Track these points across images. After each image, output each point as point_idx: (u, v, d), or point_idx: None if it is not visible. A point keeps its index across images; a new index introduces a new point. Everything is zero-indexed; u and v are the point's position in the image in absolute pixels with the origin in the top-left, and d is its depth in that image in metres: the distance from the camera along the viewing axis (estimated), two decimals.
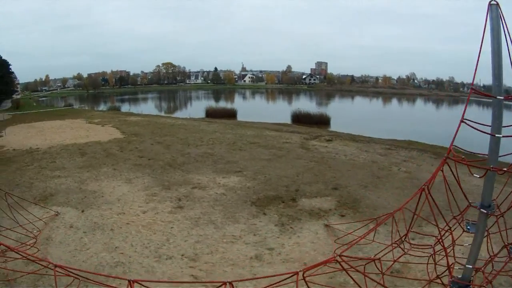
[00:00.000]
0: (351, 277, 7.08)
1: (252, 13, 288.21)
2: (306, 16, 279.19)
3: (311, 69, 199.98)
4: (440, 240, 7.21)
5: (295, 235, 11.91)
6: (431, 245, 7.78)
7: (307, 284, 6.54)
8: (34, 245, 10.84)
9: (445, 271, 7.28)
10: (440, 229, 7.36)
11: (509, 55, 6.12)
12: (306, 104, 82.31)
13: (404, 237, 8.06)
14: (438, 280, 7.50)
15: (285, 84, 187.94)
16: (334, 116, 54.31)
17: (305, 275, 6.26)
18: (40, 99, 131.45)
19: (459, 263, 7.22)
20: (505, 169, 6.41)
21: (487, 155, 6.54)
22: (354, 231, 11.22)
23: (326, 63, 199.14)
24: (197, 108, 77.63)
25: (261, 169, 19.89)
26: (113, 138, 30.55)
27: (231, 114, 58.36)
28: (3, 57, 73.02)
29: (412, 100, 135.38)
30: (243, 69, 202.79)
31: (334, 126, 47.31)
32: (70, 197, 15.59)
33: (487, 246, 7.48)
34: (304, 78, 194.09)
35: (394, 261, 7.95)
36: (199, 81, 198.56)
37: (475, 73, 6.51)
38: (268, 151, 24.64)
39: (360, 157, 22.89)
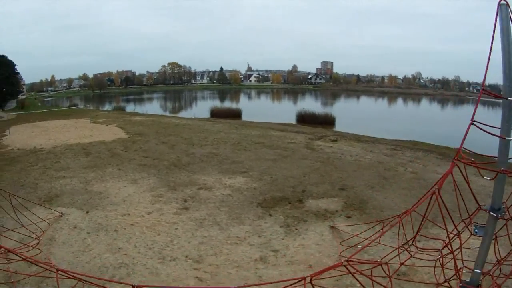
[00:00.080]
0: (357, 280, 6.99)
1: (258, 13, 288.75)
2: (312, 16, 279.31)
3: (317, 68, 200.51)
4: (449, 244, 7.10)
5: (300, 237, 11.79)
6: (439, 249, 7.66)
7: None
8: (37, 246, 10.78)
9: (453, 275, 7.17)
10: (449, 233, 7.25)
11: None
12: (311, 104, 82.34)
13: (412, 240, 7.95)
14: (446, 284, 7.39)
15: (291, 84, 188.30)
16: (339, 116, 54.20)
17: (312, 280, 6.16)
18: (45, 99, 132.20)
19: (467, 268, 7.10)
20: None
21: (496, 157, 6.43)
22: (360, 233, 11.11)
23: (332, 63, 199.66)
24: (202, 108, 77.73)
25: (267, 169, 19.79)
26: (118, 138, 30.55)
27: (236, 114, 58.32)
28: (8, 58, 73.39)
29: (418, 100, 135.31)
30: (249, 69, 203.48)
31: (338, 126, 47.21)
32: (75, 198, 15.54)
33: (495, 249, 7.37)
34: (310, 78, 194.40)
35: (401, 264, 7.85)
36: (204, 81, 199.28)
37: (485, 73, 6.39)
38: (273, 151, 24.54)
39: (366, 158, 22.74)
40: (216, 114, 58.17)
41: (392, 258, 7.76)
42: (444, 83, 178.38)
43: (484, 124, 6.10)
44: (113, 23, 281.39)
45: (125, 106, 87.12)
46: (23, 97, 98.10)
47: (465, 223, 7.22)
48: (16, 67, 76.76)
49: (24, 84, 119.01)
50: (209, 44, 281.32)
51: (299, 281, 6.13)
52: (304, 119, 51.09)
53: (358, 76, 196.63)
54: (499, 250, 7.51)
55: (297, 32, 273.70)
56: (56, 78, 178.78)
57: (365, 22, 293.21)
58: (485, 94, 6.44)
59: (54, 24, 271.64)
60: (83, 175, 18.80)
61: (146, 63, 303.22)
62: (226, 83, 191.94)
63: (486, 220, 6.66)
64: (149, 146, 26.52)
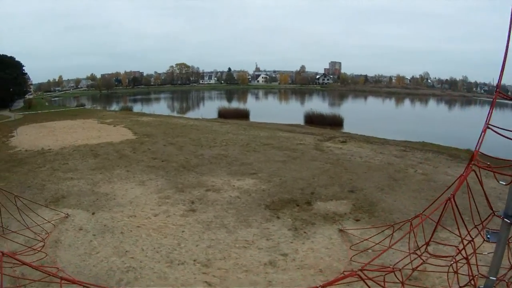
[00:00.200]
0: (369, 287, 6.85)
1: (266, 13, 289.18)
2: (320, 15, 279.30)
3: (325, 69, 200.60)
4: (462, 251, 6.96)
5: (309, 240, 11.64)
6: (453, 256, 7.52)
7: None
8: (43, 248, 10.72)
9: (468, 282, 7.02)
10: (462, 238, 7.10)
11: None
12: (319, 105, 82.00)
13: (425, 246, 7.80)
14: None
15: (299, 84, 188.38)
16: (347, 117, 53.95)
17: None
18: (52, 99, 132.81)
19: (482, 275, 6.95)
20: None
21: (511, 160, 6.29)
22: (370, 238, 10.96)
23: (340, 63, 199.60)
24: (209, 108, 77.80)
25: (276, 171, 19.65)
26: (125, 139, 30.50)
27: (243, 115, 58.16)
28: (17, 58, 74.14)
29: (425, 100, 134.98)
30: (257, 69, 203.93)
31: (347, 127, 47.01)
32: (81, 199, 15.48)
33: (508, 254, 7.20)
34: (318, 78, 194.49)
35: (414, 269, 7.69)
36: (212, 81, 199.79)
37: (501, 75, 6.23)
38: (282, 152, 24.40)
39: (376, 159, 22.55)
40: (223, 114, 58.05)
41: (406, 265, 7.63)
42: (451, 84, 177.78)
43: (500, 128, 5.96)
44: (121, 23, 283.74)
45: (132, 106, 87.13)
46: (30, 97, 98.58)
47: (477, 229, 7.06)
48: (24, 67, 77.61)
49: (31, 84, 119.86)
50: (217, 45, 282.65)
51: None
52: (312, 120, 50.87)
53: (366, 76, 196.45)
54: (510, 255, 7.35)
55: (306, 32, 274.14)
56: (63, 78, 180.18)
57: (373, 22, 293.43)
58: (501, 97, 6.29)
59: (63, 25, 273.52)
60: (90, 177, 18.75)
61: (154, 64, 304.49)
62: (234, 84, 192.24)
63: (499, 225, 6.50)
64: (157, 147, 26.46)
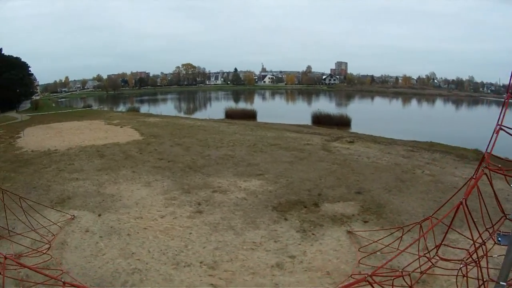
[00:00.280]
0: None
1: (272, 13, 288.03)
2: (327, 15, 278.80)
3: (331, 69, 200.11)
4: (474, 255, 6.84)
5: (317, 242, 11.52)
6: (463, 259, 7.40)
7: None
8: (48, 251, 10.68)
9: (478, 287, 6.90)
10: (474, 242, 6.98)
11: None
12: (325, 105, 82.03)
13: (436, 249, 7.68)
14: None
15: (305, 84, 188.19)
16: (354, 117, 53.89)
17: None
18: (59, 100, 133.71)
19: (493, 280, 6.81)
20: None
21: None
22: (379, 240, 10.84)
23: (346, 63, 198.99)
24: (216, 109, 78.00)
25: (283, 172, 19.51)
26: (132, 139, 30.48)
27: (250, 115, 58.27)
28: (23, 59, 74.41)
29: (432, 100, 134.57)
30: (263, 69, 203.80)
31: (354, 127, 46.94)
32: (87, 200, 15.43)
33: None
34: (324, 79, 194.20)
35: (423, 273, 7.60)
36: (219, 82, 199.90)
37: None
38: (289, 153, 24.28)
39: (383, 160, 22.41)
40: (230, 115, 58.18)
41: (415, 269, 7.52)
42: (458, 84, 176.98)
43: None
44: (128, 24, 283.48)
45: (139, 107, 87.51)
46: (37, 98, 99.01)
47: (488, 232, 6.94)
48: (30, 68, 77.90)
49: (38, 85, 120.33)
50: (223, 45, 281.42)
51: None
52: (320, 120, 50.91)
53: (372, 76, 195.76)
54: None
55: (312, 33, 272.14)
56: (70, 79, 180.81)
57: (380, 22, 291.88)
58: None
59: (70, 26, 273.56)
60: (96, 178, 18.73)
61: (161, 65, 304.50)
62: (240, 84, 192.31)
63: (508, 228, 6.38)
64: (163, 148, 26.41)
